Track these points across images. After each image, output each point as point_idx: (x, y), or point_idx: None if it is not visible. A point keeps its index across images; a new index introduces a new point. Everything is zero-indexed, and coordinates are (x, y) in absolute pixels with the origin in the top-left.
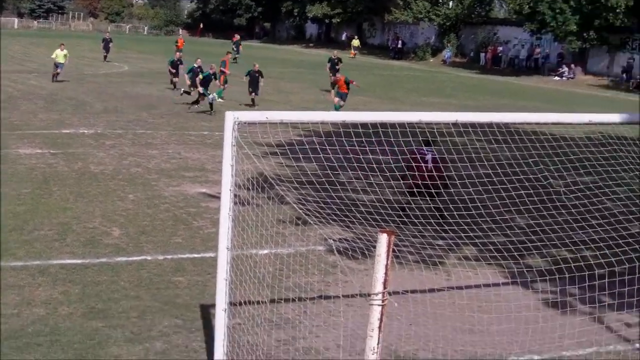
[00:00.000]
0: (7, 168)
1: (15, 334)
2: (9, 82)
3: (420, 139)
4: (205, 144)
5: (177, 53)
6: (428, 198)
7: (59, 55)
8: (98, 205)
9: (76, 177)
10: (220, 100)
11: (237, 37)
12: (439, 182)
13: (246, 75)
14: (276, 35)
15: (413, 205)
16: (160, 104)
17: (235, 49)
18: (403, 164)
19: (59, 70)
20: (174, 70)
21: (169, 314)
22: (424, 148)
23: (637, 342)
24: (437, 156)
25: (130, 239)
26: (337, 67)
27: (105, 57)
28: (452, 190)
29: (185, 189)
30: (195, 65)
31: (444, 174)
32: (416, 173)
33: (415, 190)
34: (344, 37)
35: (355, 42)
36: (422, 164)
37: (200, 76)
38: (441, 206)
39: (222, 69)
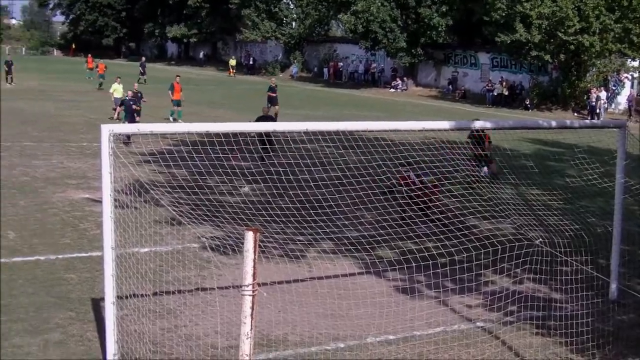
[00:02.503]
0: None
1: None
2: None
3: (402, 161)
4: (85, 153)
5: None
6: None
7: (117, 89)
8: None
9: None
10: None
11: (142, 58)
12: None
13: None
14: (141, 54)
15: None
16: (42, 118)
17: (142, 70)
18: (394, 182)
19: (119, 108)
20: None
21: (64, 308)
22: (409, 169)
23: (478, 322)
24: (420, 175)
25: (24, 241)
26: (275, 93)
27: (11, 79)
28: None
29: (70, 195)
30: (127, 97)
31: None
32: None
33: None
34: (201, 55)
35: (232, 62)
36: (410, 182)
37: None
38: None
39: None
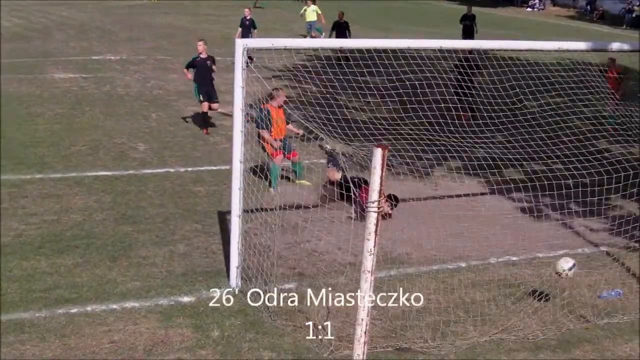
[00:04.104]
0: (44, 91)
1: (56, 238)
2: (43, 14)
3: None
4: (218, 68)
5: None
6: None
7: (308, 12)
8: (125, 123)
9: (105, 99)
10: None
11: None
12: None
13: (333, 30)
14: None
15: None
16: (177, 32)
17: None
18: None
19: (312, 33)
20: None
21: (190, 220)
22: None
23: (602, 246)
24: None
25: (155, 153)
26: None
27: None
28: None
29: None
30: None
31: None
32: None
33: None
34: None
35: None
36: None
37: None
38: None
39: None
